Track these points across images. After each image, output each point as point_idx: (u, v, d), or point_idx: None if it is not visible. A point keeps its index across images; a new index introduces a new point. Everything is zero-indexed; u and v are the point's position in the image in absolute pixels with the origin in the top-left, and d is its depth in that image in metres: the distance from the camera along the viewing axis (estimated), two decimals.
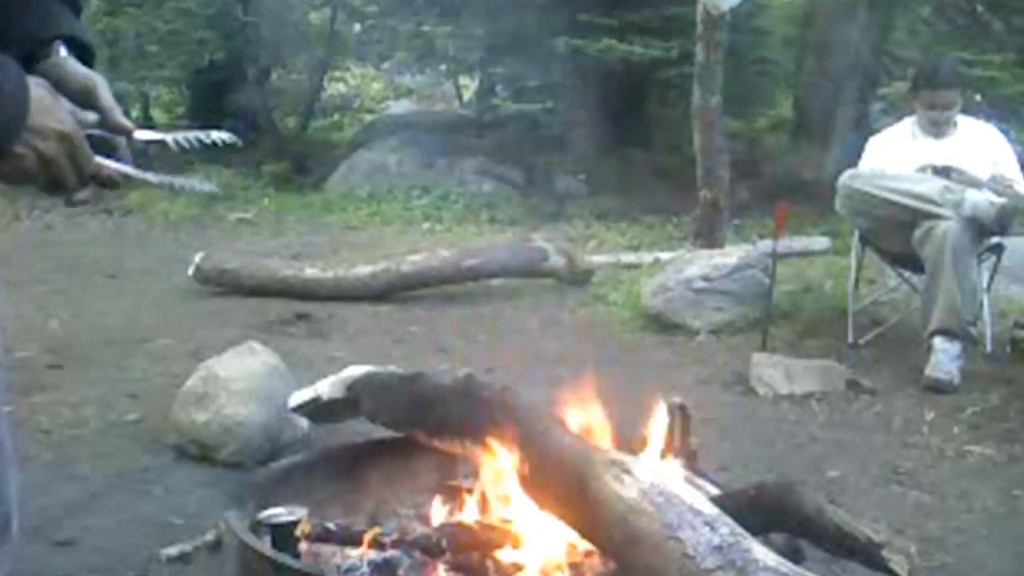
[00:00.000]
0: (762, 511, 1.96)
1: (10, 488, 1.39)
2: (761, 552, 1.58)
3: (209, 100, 11.41)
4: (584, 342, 4.56)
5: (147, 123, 12.30)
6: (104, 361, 4.08)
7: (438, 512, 2.22)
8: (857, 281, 4.50)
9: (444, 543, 1.97)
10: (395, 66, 12.34)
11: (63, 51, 1.32)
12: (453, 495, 2.26)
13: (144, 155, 1.36)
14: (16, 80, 1.14)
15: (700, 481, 2.17)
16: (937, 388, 3.77)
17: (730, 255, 5.00)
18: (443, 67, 11.88)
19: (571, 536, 1.89)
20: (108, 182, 1.28)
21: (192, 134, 1.37)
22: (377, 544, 2.00)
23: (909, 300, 4.54)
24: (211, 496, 2.69)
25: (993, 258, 4.20)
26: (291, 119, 11.38)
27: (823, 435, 3.41)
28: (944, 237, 3.84)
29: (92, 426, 3.35)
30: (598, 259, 6.10)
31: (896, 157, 4.30)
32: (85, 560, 2.42)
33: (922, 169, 4.16)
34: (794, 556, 1.87)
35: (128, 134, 1.30)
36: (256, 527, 1.98)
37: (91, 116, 1.26)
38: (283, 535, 1.96)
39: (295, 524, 1.98)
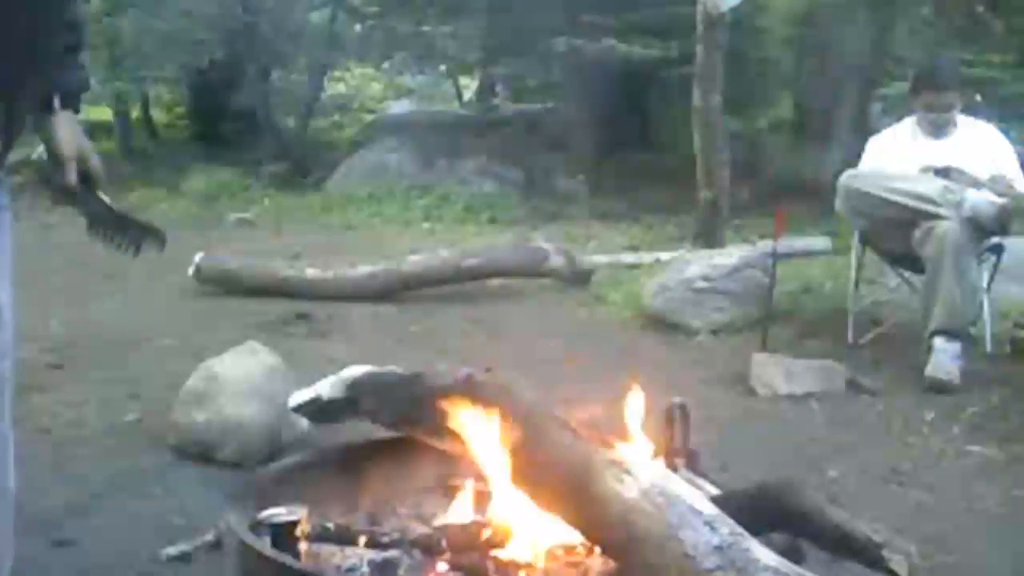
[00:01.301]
0: (762, 511, 1.96)
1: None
2: (761, 552, 1.58)
3: (209, 100, 11.42)
4: (584, 342, 4.57)
5: (147, 123, 12.32)
6: (104, 361, 4.08)
7: (438, 512, 2.22)
8: (857, 281, 4.50)
9: (444, 543, 1.97)
10: (395, 66, 12.36)
11: (57, 106, 1.71)
12: (453, 495, 2.26)
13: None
14: None
15: (700, 481, 2.17)
16: (937, 388, 3.77)
17: (730, 255, 5.01)
18: (443, 67, 11.91)
19: (571, 536, 1.89)
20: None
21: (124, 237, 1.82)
22: (377, 544, 2.00)
23: (909, 300, 4.54)
24: (211, 496, 2.69)
25: (993, 258, 4.20)
26: (291, 119, 11.39)
27: (823, 435, 3.41)
28: (944, 237, 3.84)
29: (92, 426, 3.35)
30: (598, 259, 6.10)
31: (896, 157, 4.30)
32: (85, 560, 2.42)
33: (923, 170, 4.16)
34: (794, 556, 1.87)
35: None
36: (256, 527, 1.98)
37: None
38: (283, 535, 1.96)
39: (295, 524, 1.97)
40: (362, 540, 2.00)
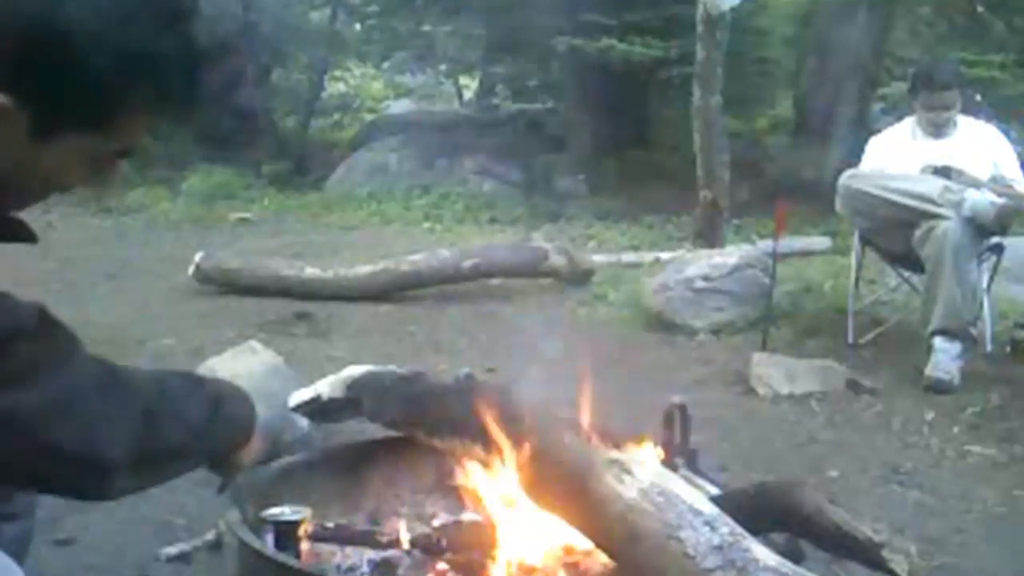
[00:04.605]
0: (762, 511, 1.96)
1: None
2: (761, 552, 1.58)
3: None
4: (584, 342, 4.56)
5: None
6: None
7: (438, 512, 2.22)
8: (857, 281, 4.50)
9: (444, 543, 1.97)
10: (395, 66, 12.35)
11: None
12: (453, 495, 2.26)
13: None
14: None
15: (700, 481, 2.17)
16: (937, 388, 3.77)
17: (730, 255, 5.01)
18: (443, 67, 11.90)
19: (571, 535, 1.89)
20: None
21: None
22: (377, 544, 2.00)
23: (909, 300, 4.54)
24: (211, 496, 2.68)
25: (993, 258, 4.20)
26: (291, 119, 11.38)
27: (823, 435, 3.41)
28: (944, 237, 3.84)
29: None
30: (598, 259, 6.10)
31: (896, 157, 4.30)
32: (85, 560, 2.42)
33: (923, 170, 4.16)
34: (794, 556, 1.87)
35: None
36: (259, 525, 1.98)
37: None
38: (286, 534, 1.96)
39: (298, 523, 1.97)
40: (362, 540, 2.00)
